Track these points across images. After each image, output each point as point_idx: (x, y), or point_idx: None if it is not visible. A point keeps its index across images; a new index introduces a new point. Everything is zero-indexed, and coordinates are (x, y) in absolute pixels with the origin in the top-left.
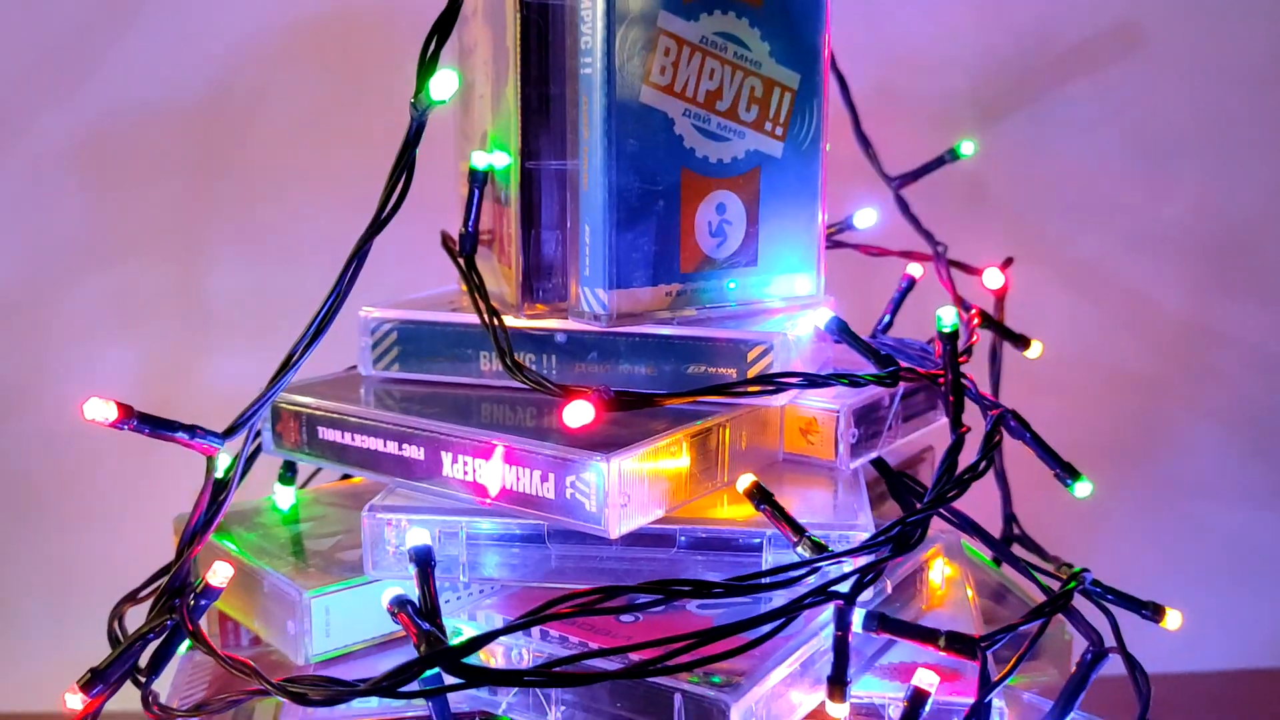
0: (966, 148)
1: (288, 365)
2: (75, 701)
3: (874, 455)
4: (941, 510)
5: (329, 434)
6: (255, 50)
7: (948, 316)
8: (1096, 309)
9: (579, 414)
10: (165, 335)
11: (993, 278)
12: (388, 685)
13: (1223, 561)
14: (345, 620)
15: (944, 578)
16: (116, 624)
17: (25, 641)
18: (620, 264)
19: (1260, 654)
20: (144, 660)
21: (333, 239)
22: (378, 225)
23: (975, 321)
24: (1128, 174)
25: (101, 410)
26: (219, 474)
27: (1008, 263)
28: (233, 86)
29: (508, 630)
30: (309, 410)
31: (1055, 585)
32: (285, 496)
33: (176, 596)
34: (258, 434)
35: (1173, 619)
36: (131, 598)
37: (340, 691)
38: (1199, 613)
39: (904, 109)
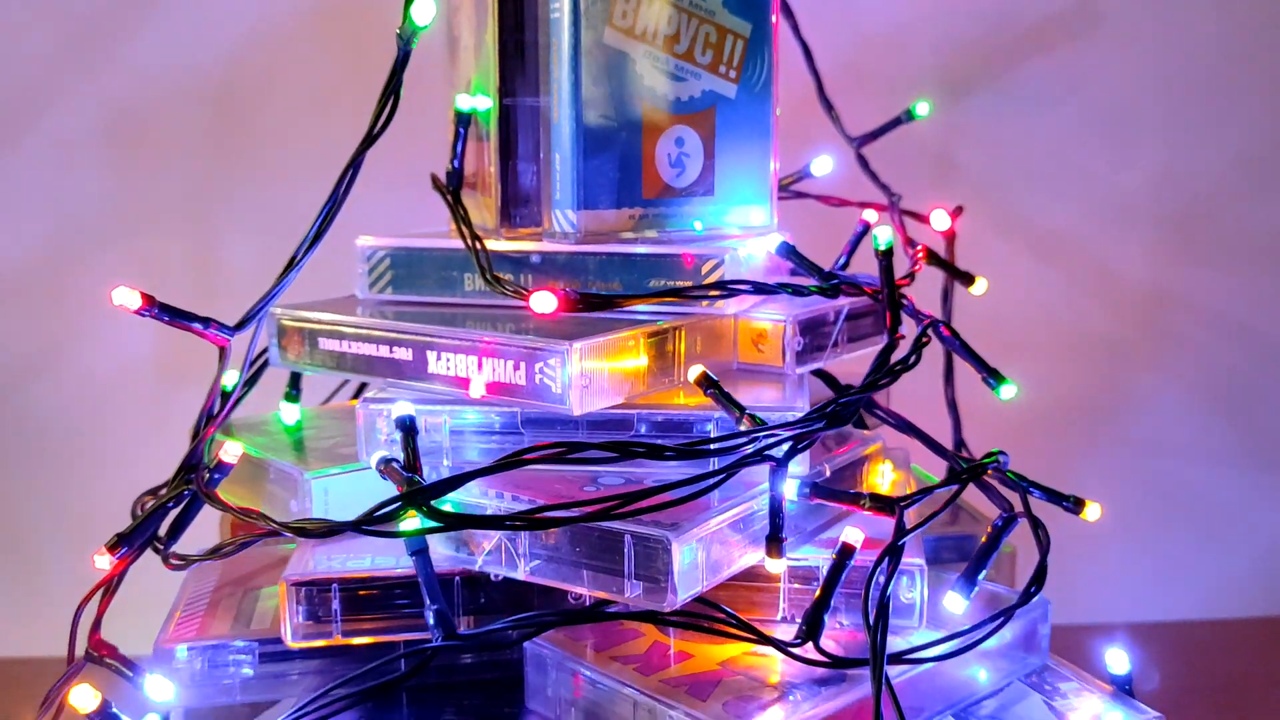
0: (922, 108)
1: (292, 265)
2: (103, 562)
3: (820, 364)
4: (884, 413)
5: (328, 344)
6: (267, 34)
7: (884, 235)
8: (1062, 276)
9: (543, 302)
10: (180, 303)
11: (940, 219)
12: (372, 521)
13: (1187, 517)
14: (342, 502)
15: (889, 482)
16: (139, 508)
17: (46, 590)
18: (587, 187)
19: (1224, 605)
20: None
21: (339, 214)
22: (369, 140)
23: (921, 255)
24: (1089, 146)
25: (127, 297)
26: (227, 386)
27: (958, 210)
28: (245, 69)
29: (480, 473)
30: (310, 324)
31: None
32: (290, 413)
33: (192, 472)
34: (263, 352)
35: (1092, 511)
36: (152, 492)
37: (334, 526)
38: (1166, 565)
39: (872, 86)
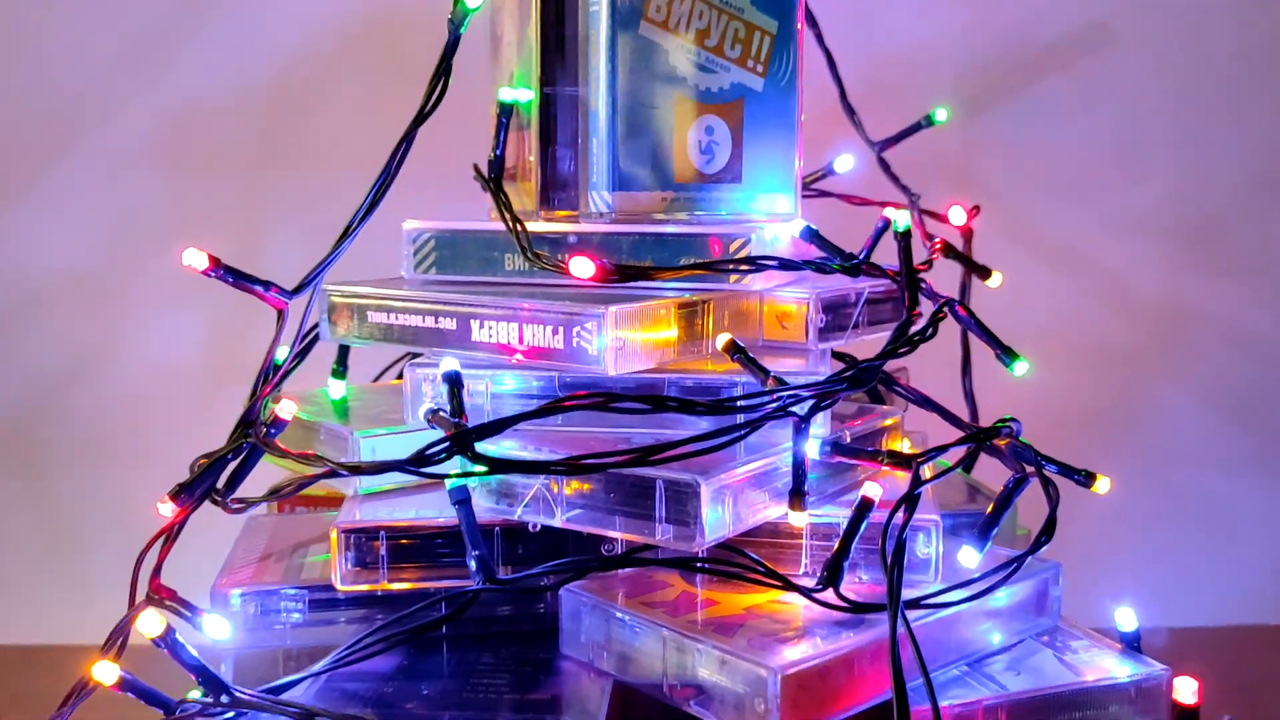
0: (940, 114)
1: (347, 233)
2: (166, 510)
3: (841, 343)
4: (903, 389)
5: (376, 316)
6: (312, 50)
7: (901, 219)
8: (1079, 288)
9: (582, 267)
10: (229, 304)
11: (957, 215)
12: (421, 461)
13: (1202, 524)
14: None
15: None
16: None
17: (95, 581)
18: (622, 170)
19: (1239, 611)
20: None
21: (380, 219)
22: (421, 117)
23: (938, 246)
24: (1104, 160)
25: (196, 258)
26: (279, 360)
27: (975, 208)
28: (292, 82)
29: (524, 417)
30: (359, 300)
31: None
32: (337, 388)
33: (250, 427)
34: (314, 328)
35: (1102, 484)
36: (207, 455)
37: (385, 464)
38: (1182, 572)
39: (893, 102)
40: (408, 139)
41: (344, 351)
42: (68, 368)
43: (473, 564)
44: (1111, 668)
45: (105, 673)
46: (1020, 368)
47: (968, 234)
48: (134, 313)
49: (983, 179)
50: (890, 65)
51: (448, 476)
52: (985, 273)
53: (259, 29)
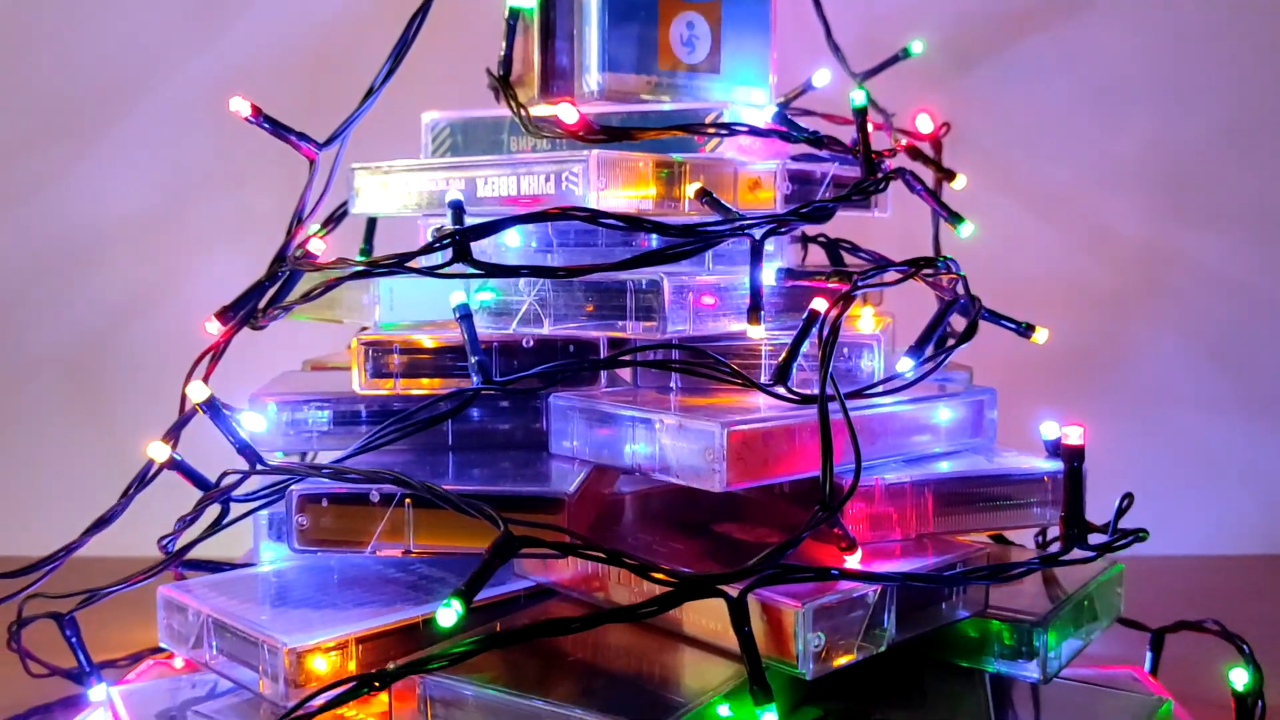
0: (916, 46)
1: (370, 93)
2: (213, 327)
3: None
4: (865, 253)
5: (397, 187)
6: (352, 13)
7: (859, 97)
8: (1063, 235)
9: (567, 112)
10: (273, 247)
11: (924, 123)
12: (429, 250)
13: (1184, 460)
14: (403, 301)
15: (871, 322)
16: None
17: (150, 496)
18: (611, 54)
19: (1218, 542)
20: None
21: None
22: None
23: (903, 145)
24: (1084, 115)
25: (241, 105)
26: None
27: (945, 125)
28: (333, 42)
29: (517, 220)
30: (382, 173)
31: None
32: None
33: (284, 260)
34: (342, 204)
35: (1041, 334)
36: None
37: (394, 257)
38: (1164, 506)
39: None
40: (424, 9)
41: (370, 231)
42: (128, 303)
43: (473, 368)
44: (1032, 465)
45: (157, 450)
46: (965, 229)
47: (937, 144)
48: (188, 254)
49: (968, 133)
50: (877, 23)
51: (446, 274)
52: (950, 175)
53: None
